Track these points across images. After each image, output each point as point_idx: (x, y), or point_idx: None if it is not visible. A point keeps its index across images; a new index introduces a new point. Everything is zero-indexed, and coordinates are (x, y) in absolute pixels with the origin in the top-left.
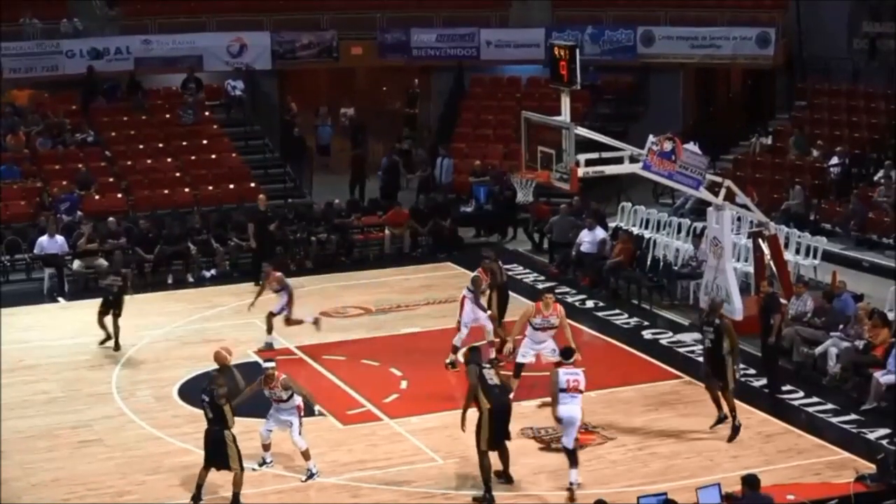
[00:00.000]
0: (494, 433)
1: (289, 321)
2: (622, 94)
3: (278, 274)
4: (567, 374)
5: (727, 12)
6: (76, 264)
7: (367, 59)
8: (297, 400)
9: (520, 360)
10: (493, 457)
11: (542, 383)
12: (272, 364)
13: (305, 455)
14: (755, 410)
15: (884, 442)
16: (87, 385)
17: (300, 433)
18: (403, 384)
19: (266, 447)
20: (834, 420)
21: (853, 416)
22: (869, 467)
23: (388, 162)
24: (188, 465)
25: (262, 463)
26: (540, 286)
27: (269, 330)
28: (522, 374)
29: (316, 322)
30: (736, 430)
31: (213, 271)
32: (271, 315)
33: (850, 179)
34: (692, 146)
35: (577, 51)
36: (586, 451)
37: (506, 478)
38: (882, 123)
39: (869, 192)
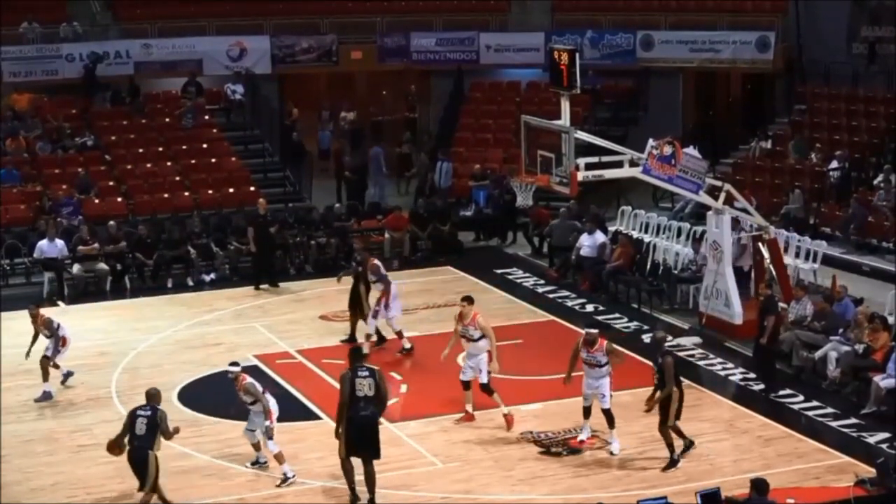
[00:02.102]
0: (350, 443)
1: (47, 359)
2: (622, 98)
3: (47, 317)
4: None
5: (727, 16)
6: (76, 268)
7: (366, 64)
8: (270, 404)
9: (462, 377)
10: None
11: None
12: (235, 368)
13: (279, 459)
14: (755, 414)
15: (884, 446)
16: (86, 389)
17: (272, 437)
18: (403, 388)
19: (255, 447)
20: (834, 424)
21: (853, 420)
22: (869, 471)
23: (357, 162)
24: (187, 469)
25: (255, 462)
26: (540, 290)
27: (46, 377)
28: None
29: (67, 376)
30: (673, 462)
31: (212, 275)
32: (45, 360)
33: (850, 183)
34: (692, 150)
35: (577, 55)
36: (585, 456)
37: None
38: (881, 127)
39: (868, 196)
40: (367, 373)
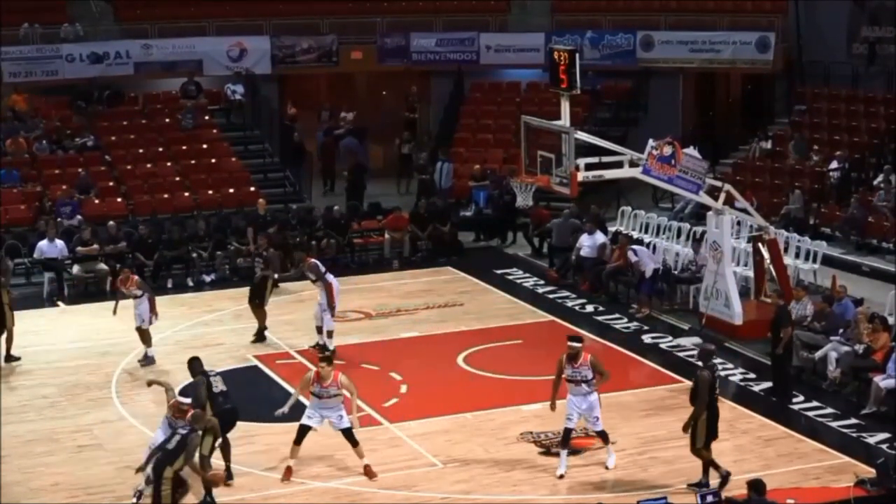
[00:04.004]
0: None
1: (141, 330)
2: (622, 98)
3: (136, 277)
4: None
5: (727, 17)
6: (76, 269)
7: (366, 64)
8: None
9: (304, 420)
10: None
11: None
12: (186, 399)
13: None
14: (755, 414)
15: (883, 446)
16: (86, 389)
17: None
18: (403, 388)
19: None
20: (834, 424)
21: (853, 421)
22: (869, 472)
23: (352, 162)
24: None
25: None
26: (540, 290)
27: (147, 340)
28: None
29: (146, 359)
30: (724, 478)
31: (212, 276)
32: (140, 330)
33: (850, 184)
34: (692, 150)
35: (577, 55)
36: (585, 456)
37: (227, 473)
38: (881, 128)
39: (868, 197)
40: (214, 372)
